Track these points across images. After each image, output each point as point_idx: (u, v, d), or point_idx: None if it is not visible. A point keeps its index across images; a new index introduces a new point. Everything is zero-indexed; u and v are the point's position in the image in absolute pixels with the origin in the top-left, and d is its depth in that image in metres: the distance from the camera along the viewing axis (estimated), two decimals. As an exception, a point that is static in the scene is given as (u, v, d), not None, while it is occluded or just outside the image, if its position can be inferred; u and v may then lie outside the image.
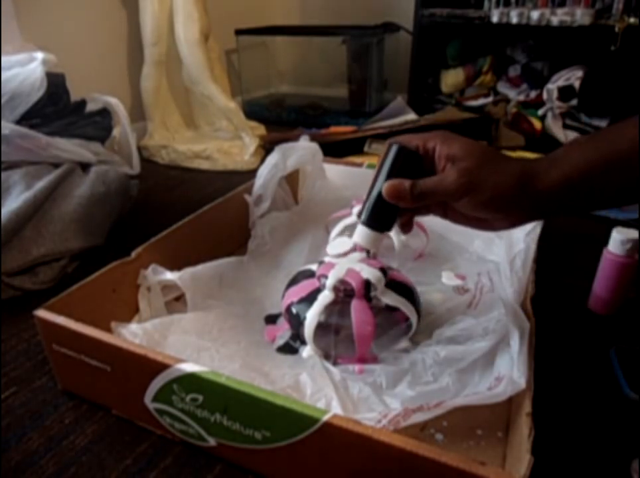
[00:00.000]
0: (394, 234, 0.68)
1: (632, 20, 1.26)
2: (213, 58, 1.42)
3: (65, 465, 0.44)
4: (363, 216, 0.43)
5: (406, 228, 0.45)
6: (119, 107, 0.93)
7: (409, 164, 0.41)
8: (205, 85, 1.36)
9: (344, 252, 0.52)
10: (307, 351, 0.52)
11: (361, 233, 0.44)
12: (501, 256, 0.68)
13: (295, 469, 0.40)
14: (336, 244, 0.54)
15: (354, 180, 0.89)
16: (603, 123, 1.33)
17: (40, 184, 0.74)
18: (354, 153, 1.24)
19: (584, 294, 0.66)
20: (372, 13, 1.86)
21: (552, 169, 0.37)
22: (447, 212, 0.43)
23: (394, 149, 0.42)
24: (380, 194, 0.41)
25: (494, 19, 1.46)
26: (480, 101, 1.60)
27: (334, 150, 1.03)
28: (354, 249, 0.52)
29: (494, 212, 0.39)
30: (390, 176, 0.41)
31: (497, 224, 0.41)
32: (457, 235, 0.75)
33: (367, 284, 0.51)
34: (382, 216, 0.43)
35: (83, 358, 0.46)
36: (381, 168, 0.42)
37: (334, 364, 0.50)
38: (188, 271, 0.59)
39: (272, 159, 0.77)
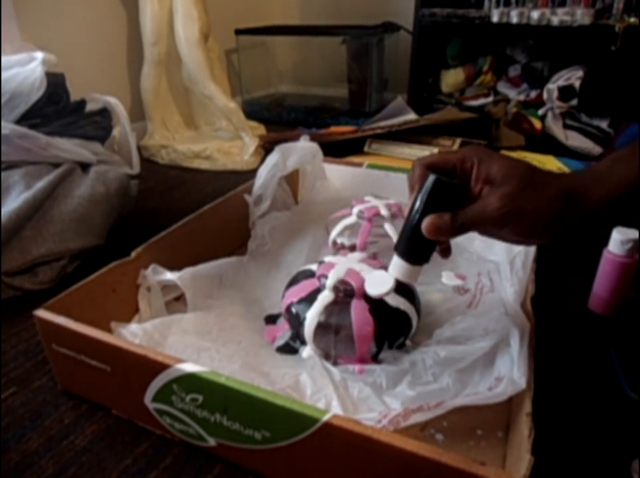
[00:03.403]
0: (394, 234, 0.68)
1: (632, 20, 1.26)
2: (213, 58, 1.42)
3: (65, 465, 0.44)
4: (400, 249, 0.42)
5: (446, 253, 0.43)
6: (119, 107, 0.93)
7: (448, 195, 0.39)
8: (205, 85, 1.36)
9: (386, 292, 0.49)
10: (307, 351, 0.52)
11: (399, 266, 0.42)
12: (501, 256, 0.68)
13: (295, 469, 0.40)
14: (376, 282, 0.50)
15: (354, 180, 0.89)
16: (603, 123, 1.33)
17: (40, 184, 0.74)
18: (354, 153, 1.24)
19: (584, 294, 0.66)
20: (372, 13, 1.86)
21: (596, 187, 0.35)
22: (481, 231, 0.41)
23: (430, 180, 0.39)
24: (417, 227, 0.40)
25: (495, 19, 1.46)
26: (481, 101, 1.60)
27: (334, 150, 1.03)
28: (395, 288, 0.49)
29: (536, 236, 0.38)
30: (427, 210, 0.39)
31: (534, 242, 0.40)
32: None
33: (367, 284, 0.51)
34: (420, 248, 0.41)
35: (83, 358, 0.46)
36: (416, 199, 0.40)
37: (334, 364, 0.50)
38: (188, 271, 0.59)
39: (272, 159, 0.77)
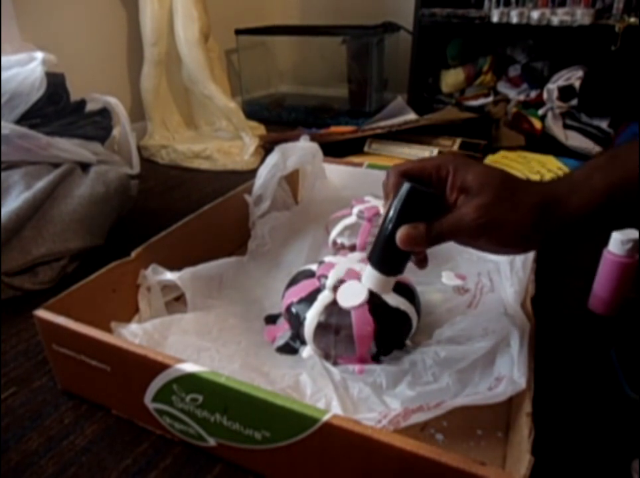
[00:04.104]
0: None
1: (632, 20, 1.26)
2: (213, 58, 1.42)
3: (65, 465, 0.44)
4: (373, 259, 0.41)
5: (422, 263, 0.43)
6: (119, 107, 0.93)
7: (423, 204, 0.38)
8: (205, 85, 1.36)
9: (359, 304, 0.48)
10: (307, 351, 0.52)
11: (372, 277, 0.42)
12: (501, 256, 0.68)
13: (295, 469, 0.40)
14: (348, 293, 0.50)
15: (354, 180, 0.89)
16: (603, 123, 1.33)
17: (40, 184, 0.74)
18: (354, 153, 1.24)
19: (584, 294, 0.66)
20: (372, 13, 1.86)
21: (573, 196, 0.35)
22: (460, 241, 0.40)
23: (405, 188, 0.38)
24: (391, 238, 0.39)
25: (495, 19, 1.46)
26: (481, 101, 1.60)
27: (334, 150, 1.03)
28: (368, 299, 0.49)
29: (513, 246, 0.37)
30: (402, 219, 0.39)
31: (512, 251, 0.40)
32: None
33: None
34: (394, 259, 0.41)
35: (83, 358, 0.46)
36: (391, 208, 0.39)
37: (334, 364, 0.50)
38: (188, 271, 0.59)
39: (272, 159, 0.77)
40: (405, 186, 0.38)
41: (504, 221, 0.35)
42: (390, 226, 0.39)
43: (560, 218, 0.35)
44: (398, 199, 0.39)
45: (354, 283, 0.50)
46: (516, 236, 0.36)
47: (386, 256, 0.41)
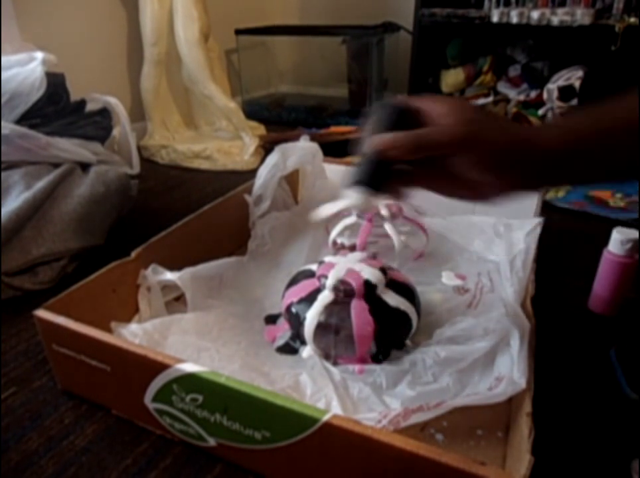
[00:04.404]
0: (394, 234, 0.68)
1: (632, 20, 1.26)
2: (213, 58, 1.42)
3: (65, 465, 0.44)
4: (351, 177, 0.39)
5: (396, 193, 0.40)
6: (119, 107, 0.93)
7: (400, 122, 0.37)
8: (205, 85, 1.36)
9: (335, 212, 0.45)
10: (307, 351, 0.52)
11: (351, 194, 0.39)
12: (501, 256, 0.68)
13: (295, 469, 0.40)
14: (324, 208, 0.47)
15: (354, 180, 0.89)
16: (603, 123, 1.33)
17: (40, 184, 0.74)
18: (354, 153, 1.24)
19: (584, 294, 0.66)
20: (372, 13, 1.86)
21: (553, 128, 0.36)
22: (436, 180, 0.39)
23: (380, 108, 0.38)
24: (369, 153, 0.37)
25: (495, 19, 1.46)
26: (481, 101, 1.60)
27: (334, 150, 1.03)
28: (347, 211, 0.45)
29: (492, 171, 0.36)
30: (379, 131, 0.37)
31: (489, 191, 0.38)
32: (457, 235, 0.75)
33: (367, 284, 0.51)
34: (370, 173, 0.38)
35: (83, 358, 0.46)
36: (369, 126, 0.38)
37: (334, 364, 0.50)
38: (188, 271, 0.59)
39: (272, 159, 0.77)
40: (379, 106, 0.38)
41: (487, 134, 0.36)
42: (367, 139, 0.38)
43: (539, 148, 0.35)
44: (374, 118, 0.38)
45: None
46: (496, 153, 0.36)
47: (363, 171, 0.38)
